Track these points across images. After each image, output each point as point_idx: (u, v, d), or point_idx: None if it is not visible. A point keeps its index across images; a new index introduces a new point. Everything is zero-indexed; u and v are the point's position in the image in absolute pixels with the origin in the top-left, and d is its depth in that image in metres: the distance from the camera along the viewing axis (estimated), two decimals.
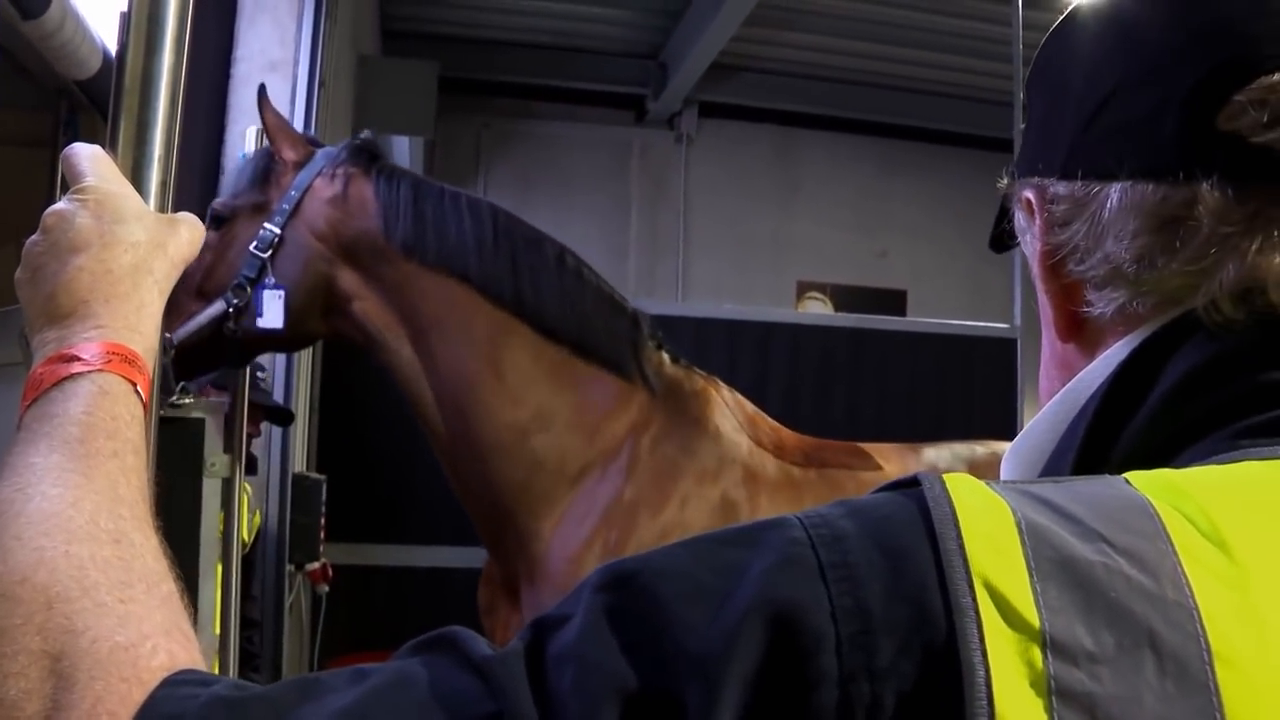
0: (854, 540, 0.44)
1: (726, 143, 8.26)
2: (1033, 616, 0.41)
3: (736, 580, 0.43)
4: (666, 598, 0.44)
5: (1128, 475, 0.49)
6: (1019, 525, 0.43)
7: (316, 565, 3.80)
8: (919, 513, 0.44)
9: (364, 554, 4.23)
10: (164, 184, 0.86)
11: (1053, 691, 0.39)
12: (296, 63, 3.80)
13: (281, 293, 1.95)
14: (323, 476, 3.86)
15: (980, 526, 0.43)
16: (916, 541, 0.43)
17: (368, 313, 2.04)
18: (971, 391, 4.46)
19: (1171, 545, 0.43)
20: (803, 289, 8.20)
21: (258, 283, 1.96)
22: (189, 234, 0.84)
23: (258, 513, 3.43)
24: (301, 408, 3.92)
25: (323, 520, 3.73)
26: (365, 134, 2.24)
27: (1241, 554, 0.43)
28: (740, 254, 8.11)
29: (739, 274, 7.99)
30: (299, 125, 3.74)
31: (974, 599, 0.41)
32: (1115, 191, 0.58)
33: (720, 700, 0.41)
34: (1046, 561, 0.42)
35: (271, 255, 1.97)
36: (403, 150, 6.62)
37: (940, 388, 4.47)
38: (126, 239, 0.77)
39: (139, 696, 0.50)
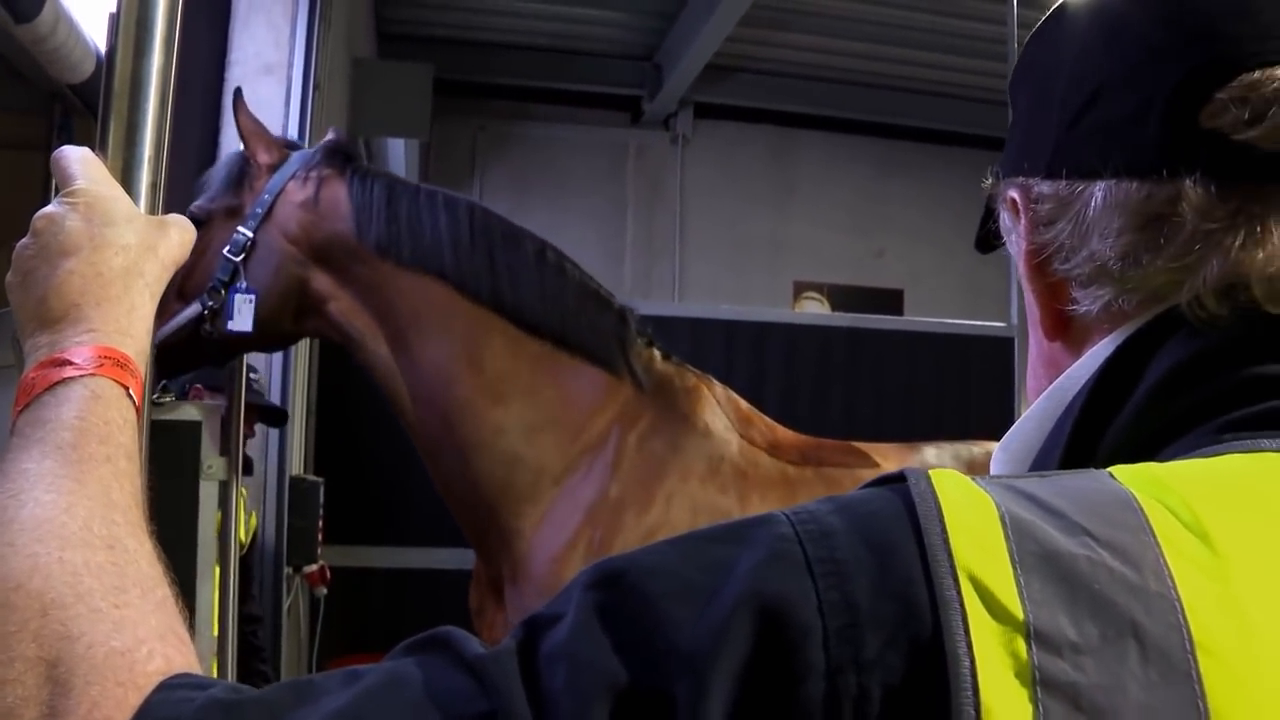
0: (841, 536, 0.44)
1: (722, 143, 8.26)
2: (1016, 609, 0.41)
3: (724, 577, 0.44)
4: (655, 595, 0.45)
5: (1111, 469, 0.49)
6: (1003, 519, 0.44)
7: (315, 568, 3.80)
8: (905, 508, 0.45)
9: (362, 556, 4.23)
10: (154, 185, 0.86)
11: (1037, 682, 0.40)
12: (291, 65, 3.80)
13: (252, 296, 1.96)
14: (320, 479, 3.85)
15: (964, 521, 0.44)
16: (902, 537, 0.44)
17: (343, 313, 2.04)
18: (969, 390, 4.46)
19: (1154, 538, 0.44)
20: (799, 289, 8.20)
21: (231, 285, 1.97)
22: (179, 236, 0.84)
23: (254, 514, 3.43)
24: (299, 410, 3.92)
25: (320, 523, 3.73)
26: (332, 133, 2.23)
27: (1224, 545, 0.44)
28: (737, 255, 8.11)
29: (736, 275, 7.98)
30: (293, 128, 3.75)
31: (959, 592, 0.42)
32: (1100, 190, 0.58)
33: (709, 695, 0.41)
34: (1030, 555, 0.43)
35: (244, 259, 1.98)
36: (398, 153, 6.61)
37: (938, 387, 4.47)
38: (117, 242, 0.77)
39: (135, 701, 0.50)
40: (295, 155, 2.09)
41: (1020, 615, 0.41)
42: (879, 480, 0.49)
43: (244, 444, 2.47)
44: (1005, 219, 0.67)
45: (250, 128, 2.08)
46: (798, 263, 8.26)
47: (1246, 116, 0.54)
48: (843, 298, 8.07)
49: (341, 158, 2.09)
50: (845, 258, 8.31)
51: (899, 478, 0.47)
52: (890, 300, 8.15)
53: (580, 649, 0.44)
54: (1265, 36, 0.55)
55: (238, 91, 2.14)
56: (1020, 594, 0.42)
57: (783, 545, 0.45)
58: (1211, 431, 0.53)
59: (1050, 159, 0.61)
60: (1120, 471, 0.49)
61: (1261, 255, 0.54)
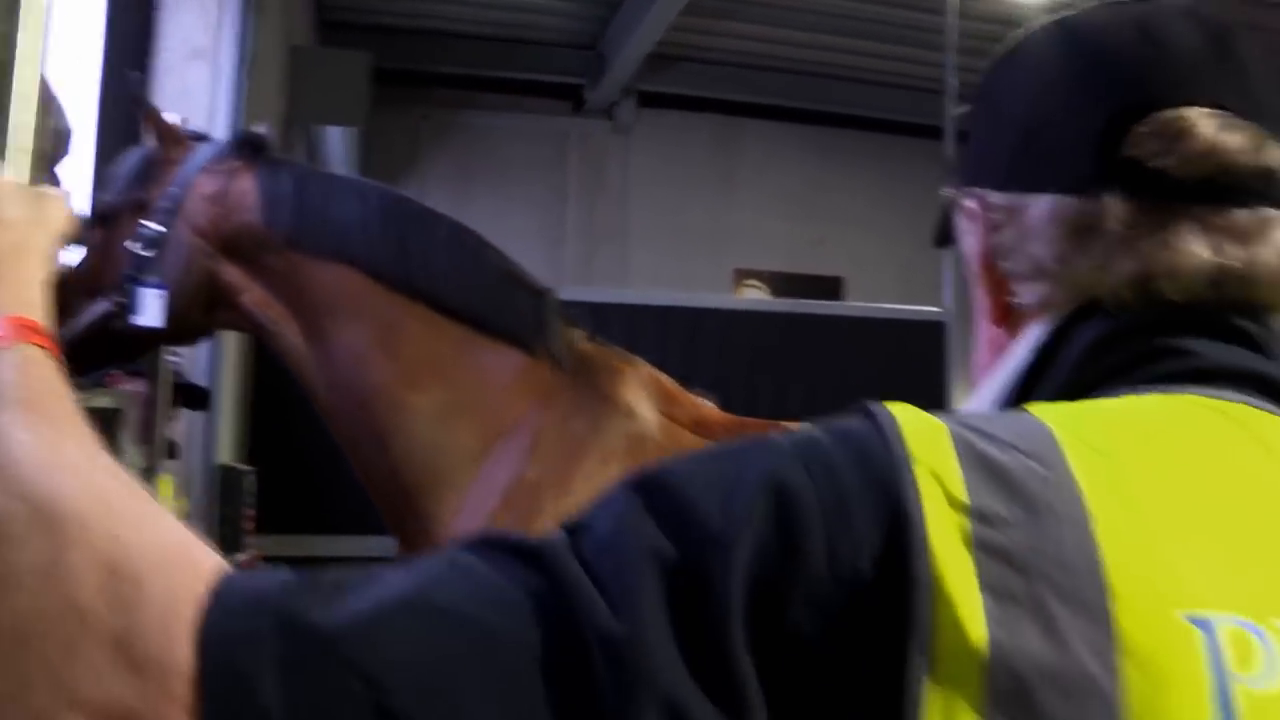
0: (827, 446, 0.57)
1: (666, 132, 8.28)
2: (961, 495, 0.54)
3: (739, 477, 0.56)
4: (686, 492, 0.55)
5: (1029, 407, 0.63)
6: (950, 434, 0.57)
7: (244, 557, 3.76)
8: (874, 427, 0.58)
9: (299, 545, 4.20)
10: (25, 150, 0.85)
11: (976, 546, 0.53)
12: (220, 51, 3.75)
13: (161, 291, 1.93)
14: (249, 468, 3.82)
15: (919, 434, 0.57)
16: (874, 445, 0.56)
17: (256, 304, 2.01)
18: (903, 375, 4.50)
19: (1061, 450, 0.58)
20: (740, 277, 8.24)
21: (139, 281, 1.94)
22: (61, 207, 0.84)
23: (185, 500, 3.39)
24: (227, 397, 3.88)
25: (249, 512, 3.69)
26: (263, 128, 2.22)
27: (1119, 458, 0.58)
28: (679, 243, 8.13)
29: (679, 263, 8.01)
30: (223, 115, 3.70)
31: (916, 481, 0.54)
32: (1041, 203, 0.71)
33: (734, 569, 0.52)
34: (970, 459, 0.56)
35: (153, 254, 1.95)
36: (336, 142, 6.56)
37: (871, 371, 4.51)
38: (4, 217, 0.77)
39: (203, 590, 0.51)
40: (204, 148, 2.06)
41: (964, 499, 0.54)
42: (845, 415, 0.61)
43: (167, 427, 2.45)
44: (962, 222, 0.79)
45: (156, 120, 2.06)
46: (740, 250, 8.31)
47: (1160, 148, 0.67)
48: (783, 285, 8.11)
49: (250, 149, 2.07)
50: (787, 246, 8.37)
51: (864, 410, 0.60)
52: (829, 288, 8.22)
53: (627, 537, 0.53)
54: (1178, 84, 0.69)
55: (136, 79, 2.11)
56: (964, 485, 0.54)
57: (783, 453, 0.57)
58: (1119, 387, 0.65)
59: (1004, 175, 0.75)
60: (1036, 408, 0.63)
61: (1167, 255, 0.67)
